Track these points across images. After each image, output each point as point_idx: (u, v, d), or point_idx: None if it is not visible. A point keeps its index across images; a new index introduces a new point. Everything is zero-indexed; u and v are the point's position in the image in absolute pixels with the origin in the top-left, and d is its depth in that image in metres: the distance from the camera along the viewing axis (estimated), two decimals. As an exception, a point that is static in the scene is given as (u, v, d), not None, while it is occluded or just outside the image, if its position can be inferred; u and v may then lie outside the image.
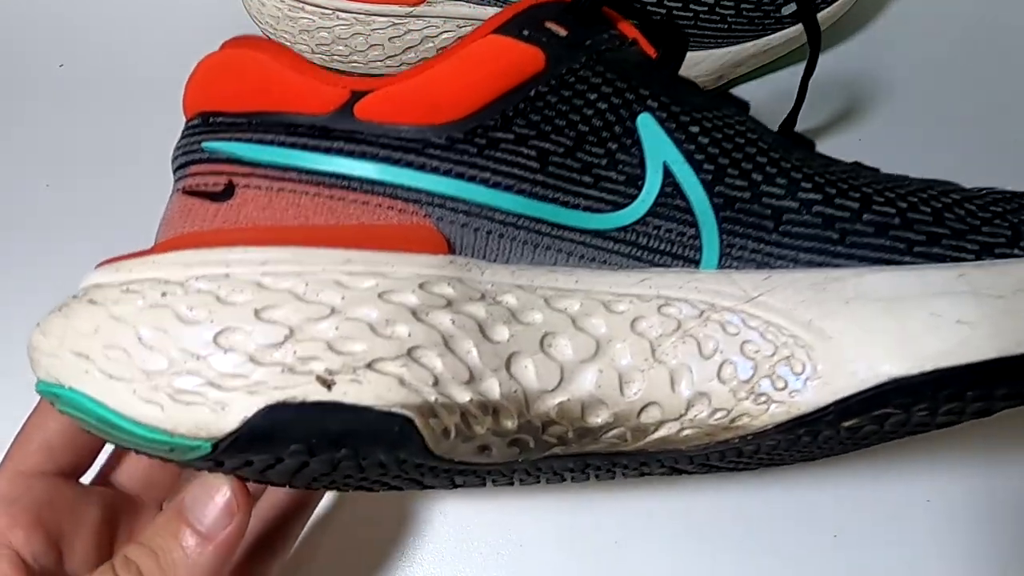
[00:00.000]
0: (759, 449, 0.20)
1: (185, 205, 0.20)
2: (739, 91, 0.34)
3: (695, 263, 0.20)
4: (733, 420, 0.19)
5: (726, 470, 0.22)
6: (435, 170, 0.19)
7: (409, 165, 0.19)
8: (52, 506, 0.20)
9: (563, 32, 0.21)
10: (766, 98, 0.35)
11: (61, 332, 0.17)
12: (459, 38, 0.33)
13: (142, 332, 0.17)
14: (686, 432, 0.19)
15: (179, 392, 0.16)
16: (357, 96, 0.20)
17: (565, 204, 0.20)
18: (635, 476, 0.23)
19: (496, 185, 0.20)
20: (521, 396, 0.19)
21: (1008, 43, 0.36)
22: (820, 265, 0.19)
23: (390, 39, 0.33)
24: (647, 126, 0.20)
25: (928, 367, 0.17)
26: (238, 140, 0.20)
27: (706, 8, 0.32)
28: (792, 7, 0.32)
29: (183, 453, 0.17)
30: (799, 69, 0.35)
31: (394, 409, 0.17)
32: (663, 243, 0.20)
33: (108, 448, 0.23)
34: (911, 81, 0.35)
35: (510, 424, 0.19)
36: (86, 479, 0.23)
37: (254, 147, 0.20)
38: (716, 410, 0.19)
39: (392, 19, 0.33)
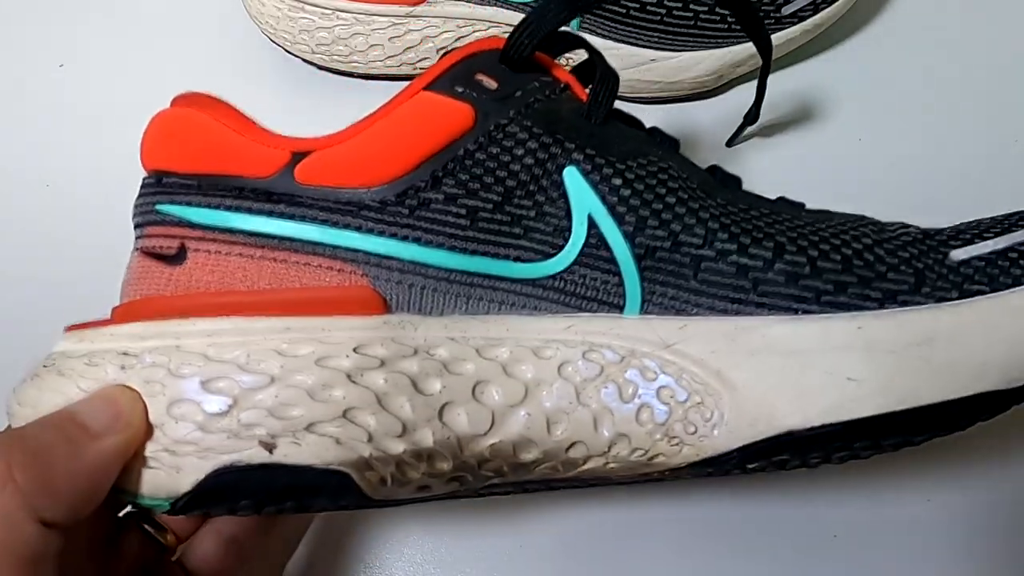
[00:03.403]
0: (678, 477, 0.22)
1: (143, 266, 0.21)
2: (739, 91, 0.35)
3: (619, 308, 0.21)
4: (651, 458, 0.21)
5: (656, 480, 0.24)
6: (370, 231, 0.21)
7: (347, 227, 0.21)
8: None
9: (493, 85, 0.22)
10: (766, 98, 0.34)
11: (35, 402, 0.19)
12: (459, 38, 0.33)
13: (104, 404, 0.19)
14: (611, 466, 0.21)
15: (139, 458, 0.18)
16: (297, 157, 0.21)
17: (495, 256, 0.21)
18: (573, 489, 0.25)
19: (428, 243, 0.21)
20: (454, 441, 0.20)
21: (1007, 43, 0.36)
22: (734, 313, 0.20)
23: (390, 39, 0.34)
24: (573, 179, 0.21)
25: (818, 423, 0.19)
26: (188, 204, 0.21)
27: (706, 8, 0.32)
28: (792, 7, 0.32)
29: (149, 506, 0.19)
30: (799, 69, 0.36)
31: (331, 466, 0.19)
32: (589, 290, 0.21)
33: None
34: (911, 81, 0.35)
35: (445, 467, 0.20)
36: None
37: (203, 211, 0.21)
38: (635, 449, 0.21)
39: (392, 19, 0.33)
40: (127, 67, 0.38)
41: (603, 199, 0.21)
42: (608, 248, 0.21)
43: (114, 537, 0.23)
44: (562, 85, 0.23)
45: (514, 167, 0.21)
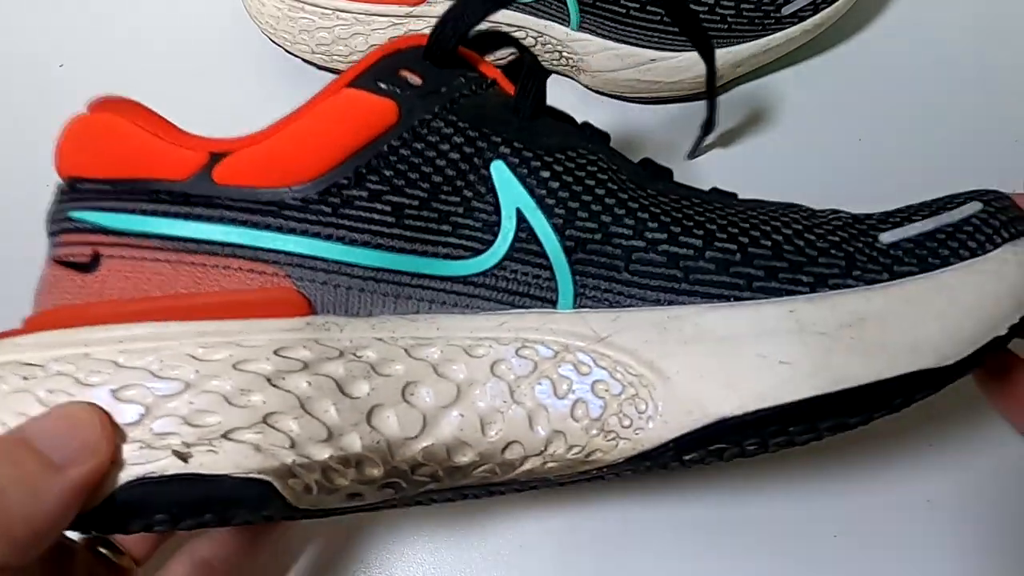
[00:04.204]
0: (618, 474, 0.21)
1: (55, 275, 0.21)
2: (739, 91, 0.36)
3: (552, 303, 0.21)
4: (588, 455, 0.20)
5: (597, 481, 0.24)
6: (292, 231, 0.20)
7: (267, 227, 0.20)
8: None
9: (418, 81, 0.22)
10: (767, 98, 0.35)
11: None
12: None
13: (4, 418, 0.18)
14: (550, 465, 0.21)
15: (43, 473, 0.17)
16: (215, 158, 0.21)
17: (424, 254, 0.21)
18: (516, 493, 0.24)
19: (352, 242, 0.20)
20: (384, 446, 0.20)
21: (1008, 43, 0.36)
22: (667, 303, 0.20)
23: (390, 39, 0.33)
24: (500, 173, 0.21)
25: (751, 408, 0.18)
26: (102, 209, 0.20)
27: (706, 8, 0.32)
28: (792, 7, 0.33)
29: (57, 525, 0.18)
30: (799, 69, 0.36)
31: (251, 475, 0.18)
32: (521, 286, 0.21)
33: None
34: (911, 81, 0.35)
35: (376, 472, 0.20)
36: None
37: (117, 216, 0.20)
38: (572, 446, 0.20)
39: (392, 19, 0.33)
40: (127, 67, 0.38)
41: (531, 192, 0.21)
42: (538, 242, 0.21)
43: (62, 561, 0.21)
44: (489, 80, 0.23)
45: (440, 162, 0.21)
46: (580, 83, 0.36)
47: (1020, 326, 0.20)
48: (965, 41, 0.36)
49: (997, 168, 0.31)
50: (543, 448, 0.20)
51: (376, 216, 0.20)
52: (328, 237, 0.20)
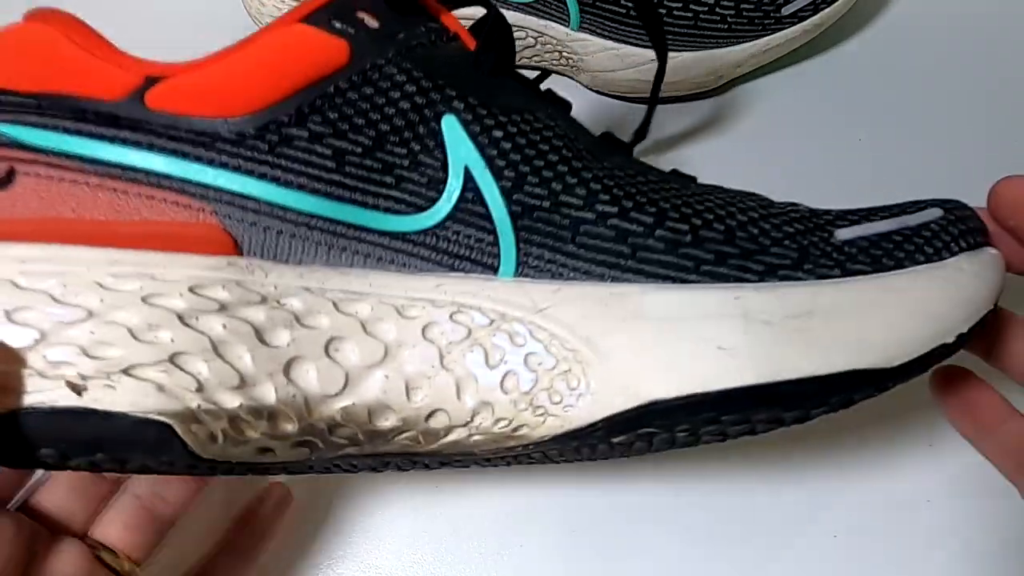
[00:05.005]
0: (546, 455, 0.21)
1: (-35, 190, 0.19)
2: (739, 91, 0.35)
3: (493, 270, 0.20)
4: (515, 430, 0.19)
5: (525, 463, 0.23)
6: (224, 166, 0.19)
7: (197, 159, 0.19)
8: None
9: (374, 24, 0.20)
10: (767, 98, 0.35)
11: None
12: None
13: None
14: (475, 438, 0.20)
15: (-79, 394, 0.16)
16: (151, 82, 0.19)
17: (363, 204, 0.20)
18: (442, 468, 0.23)
19: (288, 184, 0.19)
20: (301, 401, 0.18)
21: (1008, 43, 0.36)
22: (611, 279, 0.19)
23: None
24: (451, 128, 0.20)
25: (685, 391, 0.17)
26: (22, 123, 0.19)
27: (706, 8, 0.32)
28: (792, 7, 0.32)
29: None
30: (799, 69, 0.36)
31: (150, 415, 0.17)
32: (463, 248, 0.20)
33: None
34: (911, 81, 0.35)
35: (290, 428, 0.19)
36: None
37: (37, 131, 0.19)
38: (499, 419, 0.19)
39: None
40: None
41: (482, 151, 0.20)
42: (484, 204, 0.20)
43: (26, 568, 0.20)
44: (451, 34, 0.21)
45: (388, 110, 0.20)
46: (580, 83, 0.35)
47: (968, 336, 0.19)
48: (965, 41, 0.36)
49: (997, 168, 0.31)
50: (469, 419, 0.19)
51: (316, 159, 0.19)
52: (262, 176, 0.19)
